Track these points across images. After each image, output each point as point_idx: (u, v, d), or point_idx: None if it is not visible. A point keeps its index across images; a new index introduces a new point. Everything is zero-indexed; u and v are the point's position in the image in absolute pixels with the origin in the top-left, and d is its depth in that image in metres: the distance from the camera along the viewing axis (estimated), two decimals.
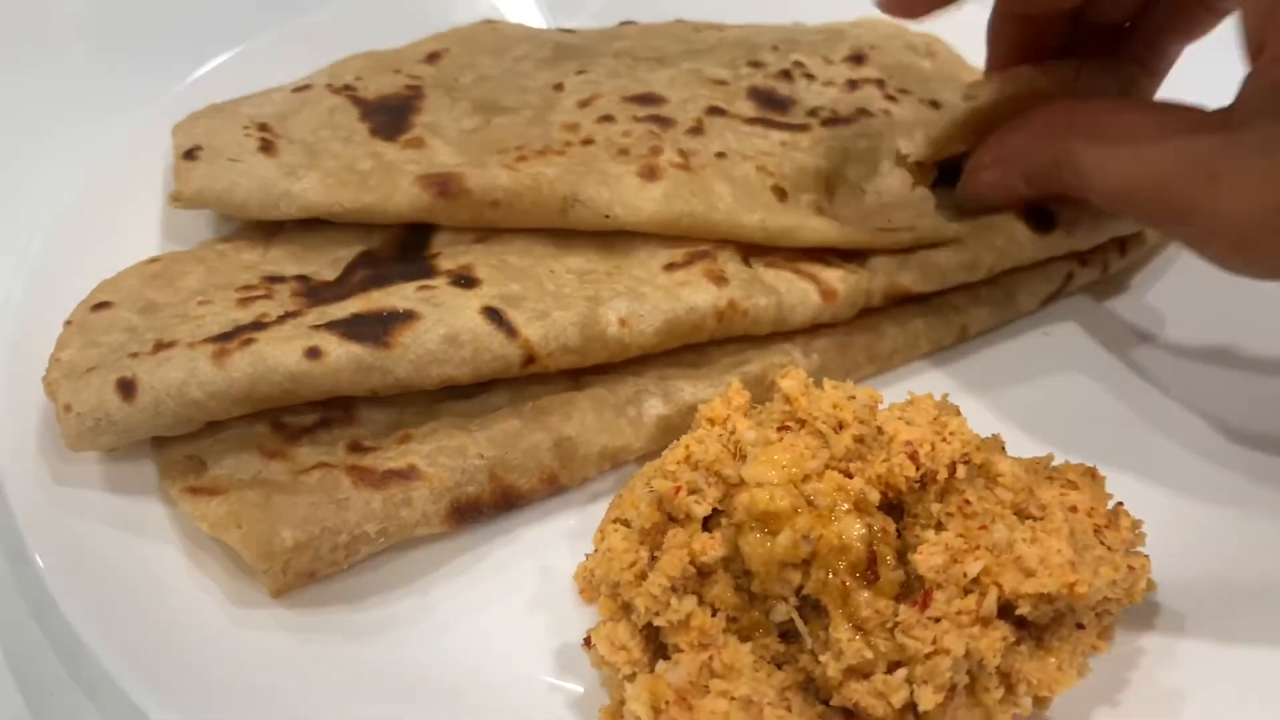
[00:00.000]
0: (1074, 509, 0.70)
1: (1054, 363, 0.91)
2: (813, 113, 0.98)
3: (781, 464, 0.66)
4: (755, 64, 1.02)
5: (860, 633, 0.63)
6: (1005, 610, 0.64)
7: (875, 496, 0.65)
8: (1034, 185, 0.85)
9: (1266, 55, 0.70)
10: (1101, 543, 0.69)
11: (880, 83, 1.01)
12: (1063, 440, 0.82)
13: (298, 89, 0.98)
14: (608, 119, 0.94)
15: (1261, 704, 0.68)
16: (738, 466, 0.67)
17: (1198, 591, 0.74)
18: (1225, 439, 0.84)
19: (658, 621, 0.65)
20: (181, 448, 0.75)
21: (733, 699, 0.62)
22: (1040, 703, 0.66)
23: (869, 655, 0.62)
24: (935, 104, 1.00)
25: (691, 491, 0.67)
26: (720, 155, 0.90)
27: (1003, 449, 0.73)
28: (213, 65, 1.05)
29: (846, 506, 0.64)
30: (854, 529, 0.63)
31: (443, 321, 0.76)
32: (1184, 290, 0.95)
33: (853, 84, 1.01)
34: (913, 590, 0.65)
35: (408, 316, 0.76)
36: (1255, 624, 0.72)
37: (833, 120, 0.96)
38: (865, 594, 0.63)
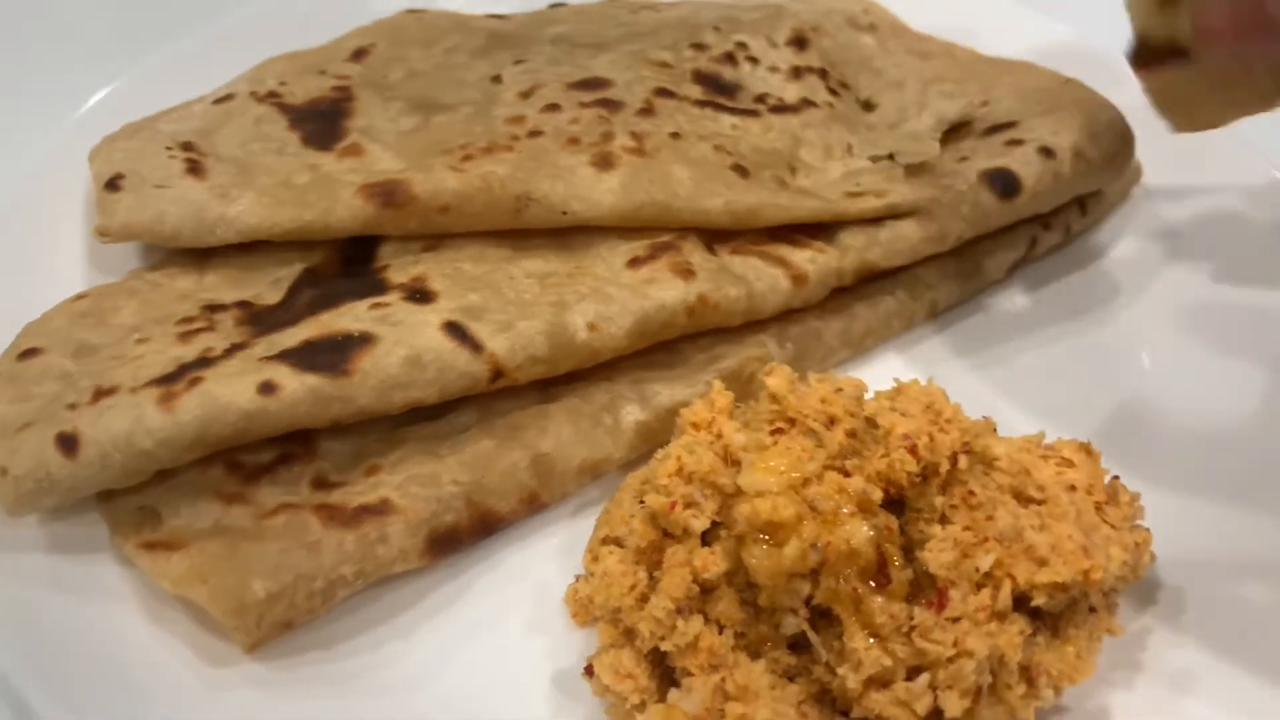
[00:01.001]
0: (1073, 488, 0.68)
1: (1026, 334, 0.89)
2: (760, 99, 0.95)
3: (779, 469, 0.62)
4: (698, 46, 0.98)
5: (877, 639, 0.60)
6: (1019, 602, 0.62)
7: (878, 495, 0.62)
8: None
9: None
10: (1105, 520, 0.67)
11: (823, 73, 0.98)
12: (1050, 415, 0.80)
13: (219, 100, 0.92)
14: (553, 108, 0.89)
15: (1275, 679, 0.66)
16: (733, 474, 0.64)
17: (1196, 564, 0.72)
18: (1206, 399, 0.82)
19: (664, 646, 0.62)
20: (131, 499, 0.70)
21: None
22: (1057, 692, 0.64)
23: (888, 663, 0.59)
24: (869, 105, 0.98)
25: (688, 505, 0.64)
26: (675, 136, 0.87)
27: (994, 431, 0.70)
28: (120, 81, 0.98)
29: (850, 509, 0.61)
30: (862, 532, 0.60)
31: (403, 342, 0.71)
32: (1149, 248, 0.94)
33: (796, 71, 0.98)
34: (922, 589, 0.62)
35: (364, 340, 0.71)
36: (1258, 596, 0.71)
37: (780, 108, 0.93)
38: (879, 599, 0.60)
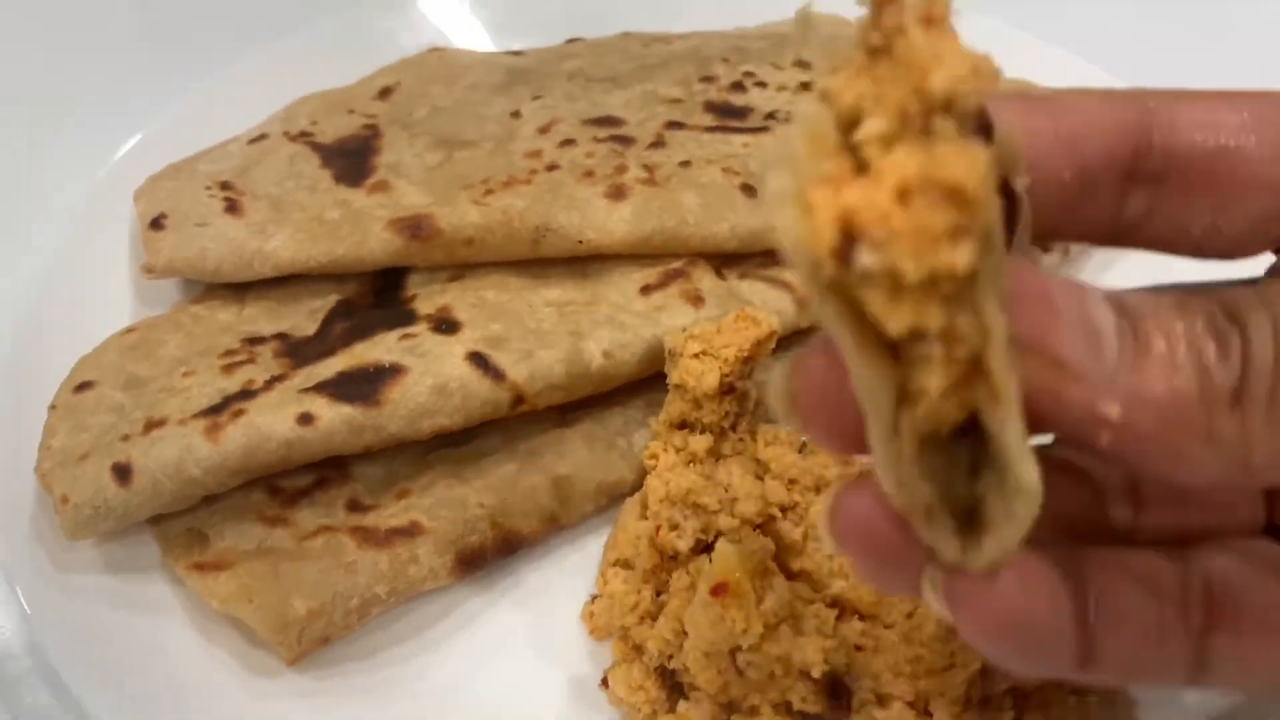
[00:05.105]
0: None
1: None
2: (770, 115, 0.99)
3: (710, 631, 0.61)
4: (707, 79, 1.03)
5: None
6: None
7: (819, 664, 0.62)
8: None
9: None
10: None
11: None
12: None
13: (254, 140, 0.98)
14: (569, 143, 0.94)
15: None
16: (717, 492, 0.68)
17: None
18: None
19: (672, 665, 0.66)
20: (181, 521, 0.75)
21: None
22: None
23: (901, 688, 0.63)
24: None
25: (672, 528, 0.68)
26: (684, 164, 0.91)
27: None
28: (158, 123, 1.02)
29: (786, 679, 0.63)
30: (799, 693, 0.63)
31: (430, 372, 0.76)
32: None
33: (805, 85, 1.02)
34: None
35: (394, 371, 0.76)
36: None
37: (790, 120, 0.98)
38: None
